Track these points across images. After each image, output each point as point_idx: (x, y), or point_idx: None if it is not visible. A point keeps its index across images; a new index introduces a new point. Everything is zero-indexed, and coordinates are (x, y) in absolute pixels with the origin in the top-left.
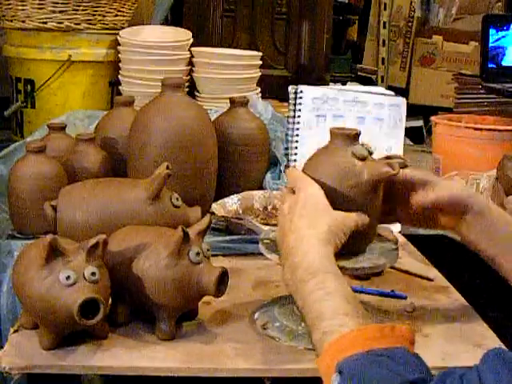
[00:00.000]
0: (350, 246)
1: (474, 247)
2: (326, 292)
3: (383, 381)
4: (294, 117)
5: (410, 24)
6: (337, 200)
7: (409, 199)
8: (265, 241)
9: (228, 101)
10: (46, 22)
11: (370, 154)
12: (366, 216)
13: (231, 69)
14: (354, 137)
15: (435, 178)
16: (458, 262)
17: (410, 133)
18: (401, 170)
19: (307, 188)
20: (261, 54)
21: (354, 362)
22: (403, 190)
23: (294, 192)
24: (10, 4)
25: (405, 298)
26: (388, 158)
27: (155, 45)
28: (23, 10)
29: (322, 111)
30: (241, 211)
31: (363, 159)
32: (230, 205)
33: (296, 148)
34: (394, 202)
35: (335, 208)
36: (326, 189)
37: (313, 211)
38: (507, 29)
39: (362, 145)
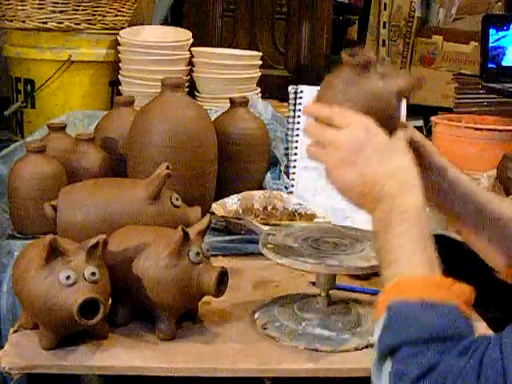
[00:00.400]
0: None
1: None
2: (411, 239)
3: (420, 327)
4: (294, 117)
5: (409, 24)
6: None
7: None
8: (268, 245)
9: (228, 101)
10: (46, 22)
11: None
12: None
13: (231, 69)
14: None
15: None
16: (458, 261)
17: None
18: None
19: (358, 119)
20: (261, 54)
21: (403, 305)
22: None
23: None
24: (10, 4)
25: None
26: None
27: (155, 45)
28: (23, 9)
29: None
30: (241, 211)
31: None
32: (230, 205)
33: (296, 148)
34: None
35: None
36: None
37: (390, 147)
38: (507, 29)
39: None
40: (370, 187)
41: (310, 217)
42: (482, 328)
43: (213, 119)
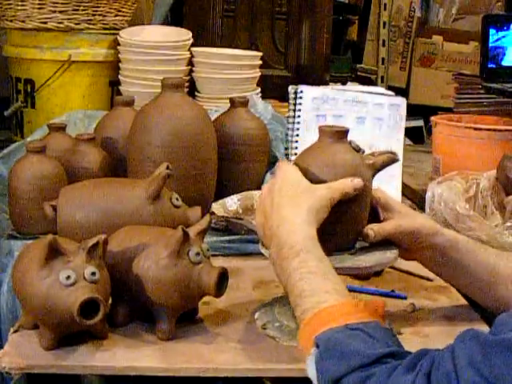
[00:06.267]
0: (343, 238)
1: (440, 276)
2: (309, 271)
3: (357, 353)
4: (294, 117)
5: (409, 24)
6: None
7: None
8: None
9: (228, 101)
10: (45, 22)
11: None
12: (360, 179)
13: (231, 69)
14: (344, 134)
15: (404, 209)
16: None
17: (410, 133)
18: (379, 192)
19: (284, 167)
20: (261, 54)
21: (330, 336)
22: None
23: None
24: (10, 4)
25: (405, 297)
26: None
27: (155, 45)
28: (23, 9)
29: (321, 111)
30: (241, 211)
31: (359, 151)
32: (229, 205)
33: (296, 148)
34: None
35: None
36: (318, 181)
37: (292, 189)
38: (507, 29)
39: (350, 142)
40: (266, 226)
41: None
42: (482, 328)
43: (213, 119)
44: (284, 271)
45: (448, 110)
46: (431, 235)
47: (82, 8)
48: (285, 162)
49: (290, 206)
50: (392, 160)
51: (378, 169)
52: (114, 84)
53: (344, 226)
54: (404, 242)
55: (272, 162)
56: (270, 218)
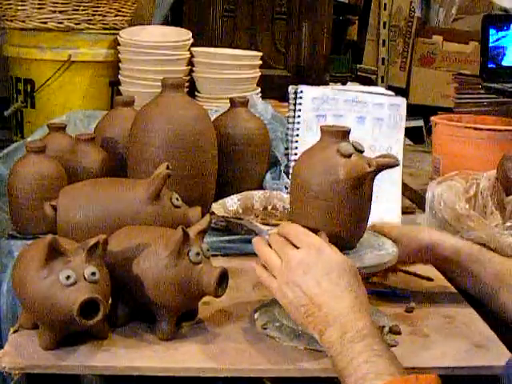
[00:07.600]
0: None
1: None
2: (375, 354)
3: None
4: (294, 117)
5: (409, 24)
6: (319, 195)
7: None
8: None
9: (228, 101)
10: (45, 22)
11: (361, 152)
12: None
13: (231, 69)
14: (343, 134)
15: (402, 233)
16: None
17: (410, 133)
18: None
19: (323, 247)
20: (261, 54)
21: None
22: None
23: (294, 246)
24: (10, 4)
25: (405, 297)
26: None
27: (155, 45)
28: (23, 10)
29: (321, 111)
30: (241, 211)
31: (348, 156)
32: (230, 205)
33: (296, 148)
34: None
35: (318, 202)
36: (309, 183)
37: (337, 272)
38: (507, 29)
39: (353, 143)
40: (316, 308)
41: None
42: (482, 328)
43: (213, 119)
44: (348, 353)
45: (448, 110)
46: (430, 251)
47: (82, 8)
48: (310, 234)
49: (349, 289)
50: (392, 163)
51: (378, 169)
52: (114, 84)
53: (345, 228)
54: (410, 262)
55: (272, 162)
56: (322, 298)
